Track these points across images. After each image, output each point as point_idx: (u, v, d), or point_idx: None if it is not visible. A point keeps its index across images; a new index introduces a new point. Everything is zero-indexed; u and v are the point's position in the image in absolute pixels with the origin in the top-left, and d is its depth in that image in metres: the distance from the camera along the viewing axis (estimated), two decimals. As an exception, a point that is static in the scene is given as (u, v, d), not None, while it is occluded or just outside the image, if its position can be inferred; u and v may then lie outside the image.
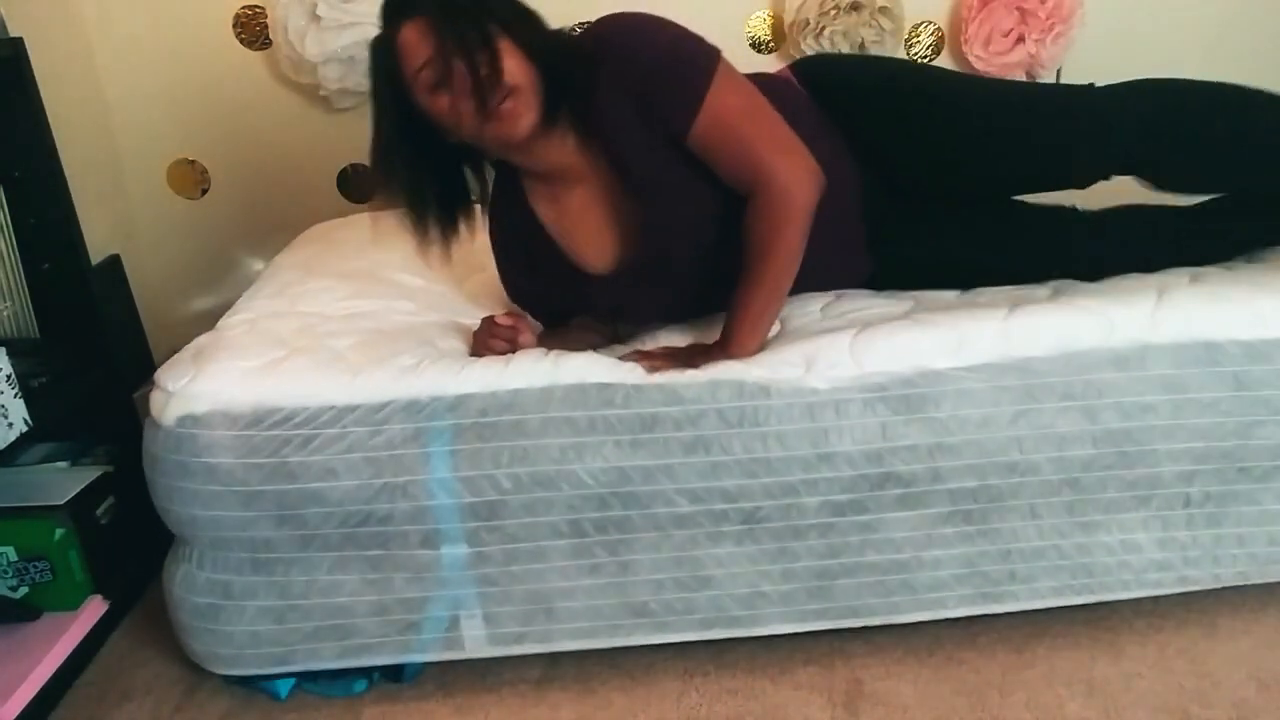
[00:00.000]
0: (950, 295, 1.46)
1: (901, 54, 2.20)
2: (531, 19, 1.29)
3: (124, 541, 1.62)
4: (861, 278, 1.52)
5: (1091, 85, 1.48)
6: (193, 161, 2.30)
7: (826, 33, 2.08)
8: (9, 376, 1.37)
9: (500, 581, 1.34)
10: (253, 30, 2.19)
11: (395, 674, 1.44)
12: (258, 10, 2.17)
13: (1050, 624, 1.46)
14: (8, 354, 1.36)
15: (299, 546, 1.30)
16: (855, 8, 2.07)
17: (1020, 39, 2.10)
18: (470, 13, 1.23)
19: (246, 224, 2.33)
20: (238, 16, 2.17)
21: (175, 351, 1.37)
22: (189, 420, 1.25)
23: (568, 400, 1.24)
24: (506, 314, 1.37)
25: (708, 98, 1.27)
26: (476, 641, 1.37)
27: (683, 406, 1.24)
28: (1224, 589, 1.46)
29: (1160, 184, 1.48)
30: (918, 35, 2.20)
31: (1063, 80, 2.18)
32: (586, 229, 1.42)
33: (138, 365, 1.94)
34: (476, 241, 1.46)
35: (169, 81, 2.21)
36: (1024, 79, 2.15)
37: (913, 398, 1.25)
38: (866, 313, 1.38)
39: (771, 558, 1.34)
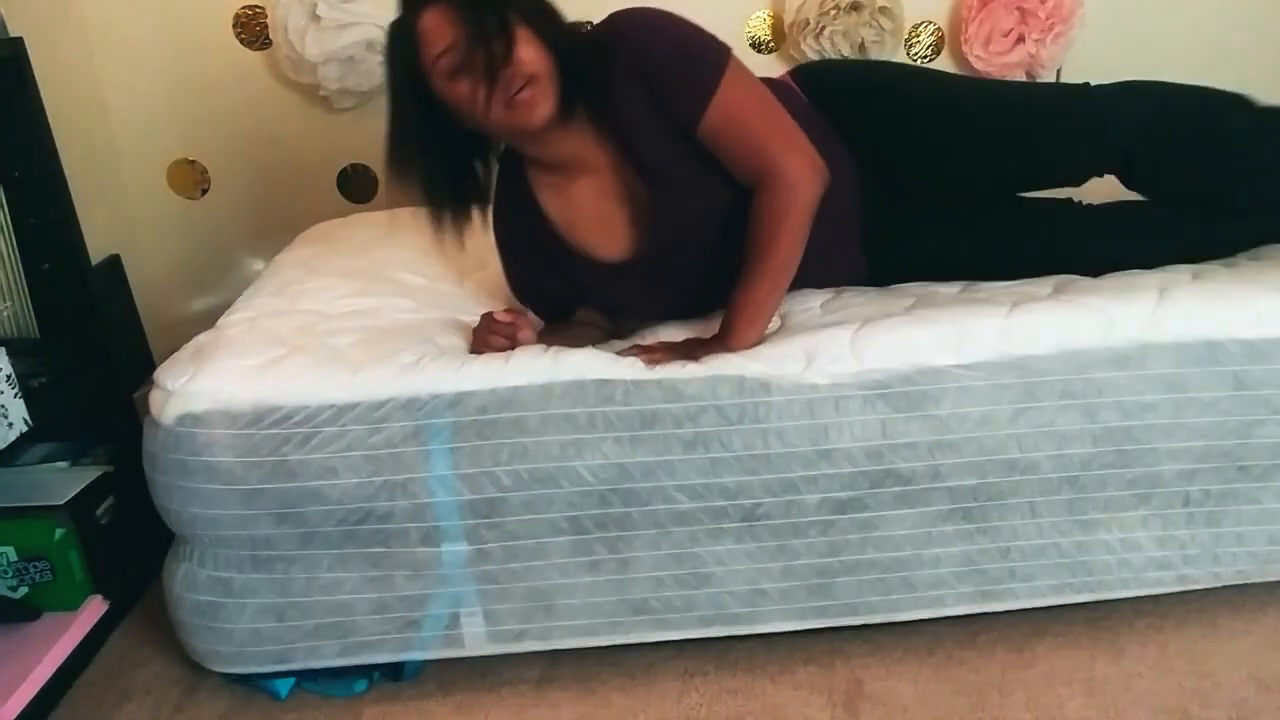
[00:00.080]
0: (951, 291, 1.46)
1: (901, 54, 2.20)
2: (550, 10, 1.31)
3: (124, 541, 1.62)
4: (860, 277, 1.53)
5: (1088, 84, 1.51)
6: (193, 161, 2.29)
7: (826, 33, 2.08)
8: (9, 376, 1.37)
9: (500, 579, 1.34)
10: (253, 30, 2.19)
11: (395, 672, 1.44)
12: (258, 10, 2.17)
13: (1050, 623, 1.46)
14: (8, 354, 1.36)
15: (299, 544, 1.30)
16: (855, 8, 2.07)
17: (1020, 39, 2.10)
18: (491, 1, 1.24)
19: (246, 224, 2.33)
20: (238, 16, 2.17)
21: (175, 351, 1.37)
22: (188, 419, 1.25)
23: (567, 397, 1.24)
24: (506, 310, 1.37)
25: (719, 90, 1.30)
26: (476, 639, 1.37)
27: (683, 403, 1.24)
28: (1224, 589, 1.46)
29: (1148, 185, 1.50)
30: (918, 35, 2.20)
31: (1063, 80, 2.18)
32: (594, 220, 1.43)
33: (138, 365, 1.94)
34: (478, 240, 1.46)
35: (169, 81, 2.21)
36: (1024, 79, 2.15)
37: (913, 395, 1.25)
38: (867, 309, 1.38)
39: (771, 555, 1.34)
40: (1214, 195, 1.50)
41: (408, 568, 1.32)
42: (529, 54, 1.25)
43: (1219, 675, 1.36)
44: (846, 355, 1.26)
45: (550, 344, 1.32)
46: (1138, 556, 1.39)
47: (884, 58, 2.13)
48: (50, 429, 1.51)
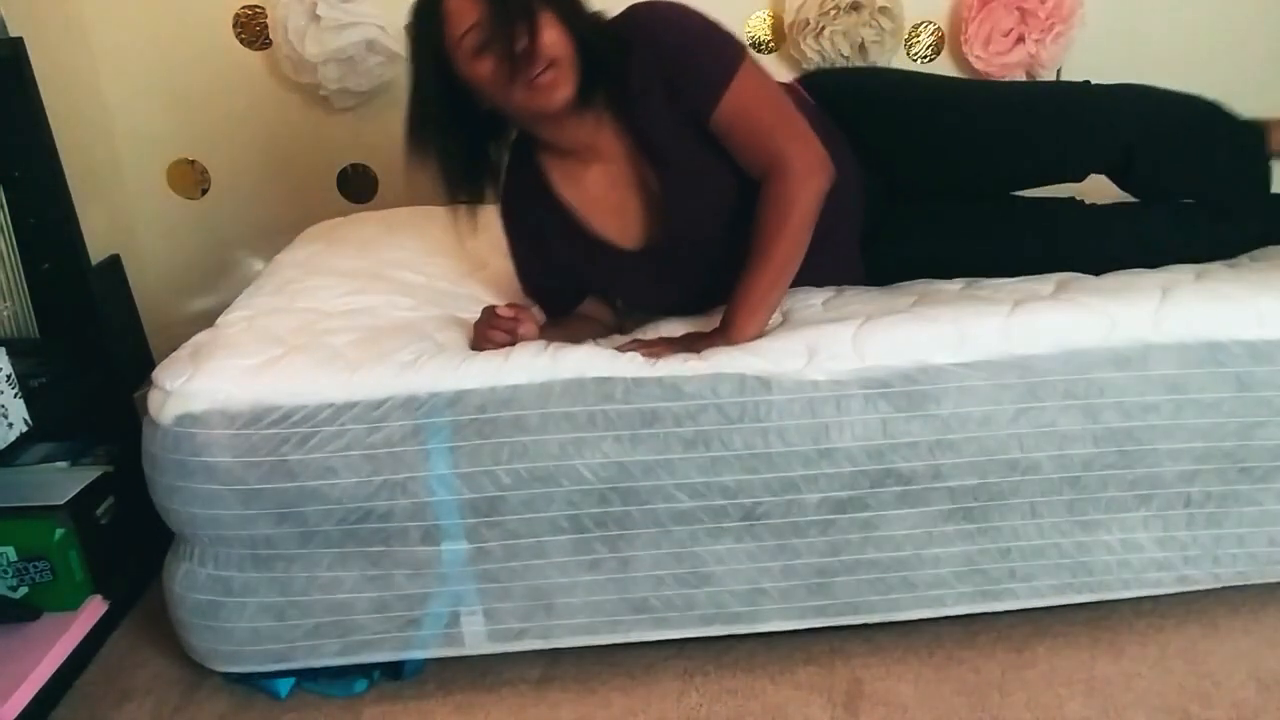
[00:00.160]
0: (953, 289, 1.45)
1: (901, 54, 2.20)
2: None
3: (124, 541, 1.62)
4: (860, 277, 1.53)
5: (1088, 82, 1.53)
6: (193, 161, 2.29)
7: (826, 33, 2.08)
8: (9, 376, 1.36)
9: (500, 578, 1.34)
10: (253, 30, 2.19)
11: (395, 671, 1.43)
12: (258, 10, 2.17)
13: (1050, 624, 1.46)
14: (8, 354, 1.36)
15: (299, 543, 1.30)
16: (855, 8, 2.07)
17: (1020, 39, 2.10)
18: None
19: (246, 224, 2.33)
20: (238, 16, 2.17)
21: (175, 351, 1.36)
22: (187, 419, 1.24)
23: (567, 395, 1.24)
24: (509, 305, 1.37)
25: (734, 82, 1.32)
26: (476, 638, 1.37)
27: (683, 401, 1.24)
28: (1224, 589, 1.46)
29: (1147, 182, 1.51)
30: (918, 35, 2.20)
31: (1063, 79, 2.18)
32: (606, 208, 1.44)
33: (138, 365, 1.94)
34: (479, 239, 1.46)
35: (169, 81, 2.21)
36: (1024, 79, 2.15)
37: (914, 394, 1.25)
38: (869, 306, 1.38)
39: (772, 554, 1.34)
40: (1206, 194, 1.52)
41: (408, 566, 1.32)
42: (552, 37, 1.26)
43: (1219, 675, 1.36)
44: (848, 351, 1.26)
45: (552, 339, 1.33)
46: (1138, 557, 1.39)
47: (884, 58, 2.14)
48: (50, 429, 1.51)
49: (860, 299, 1.44)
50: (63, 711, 1.44)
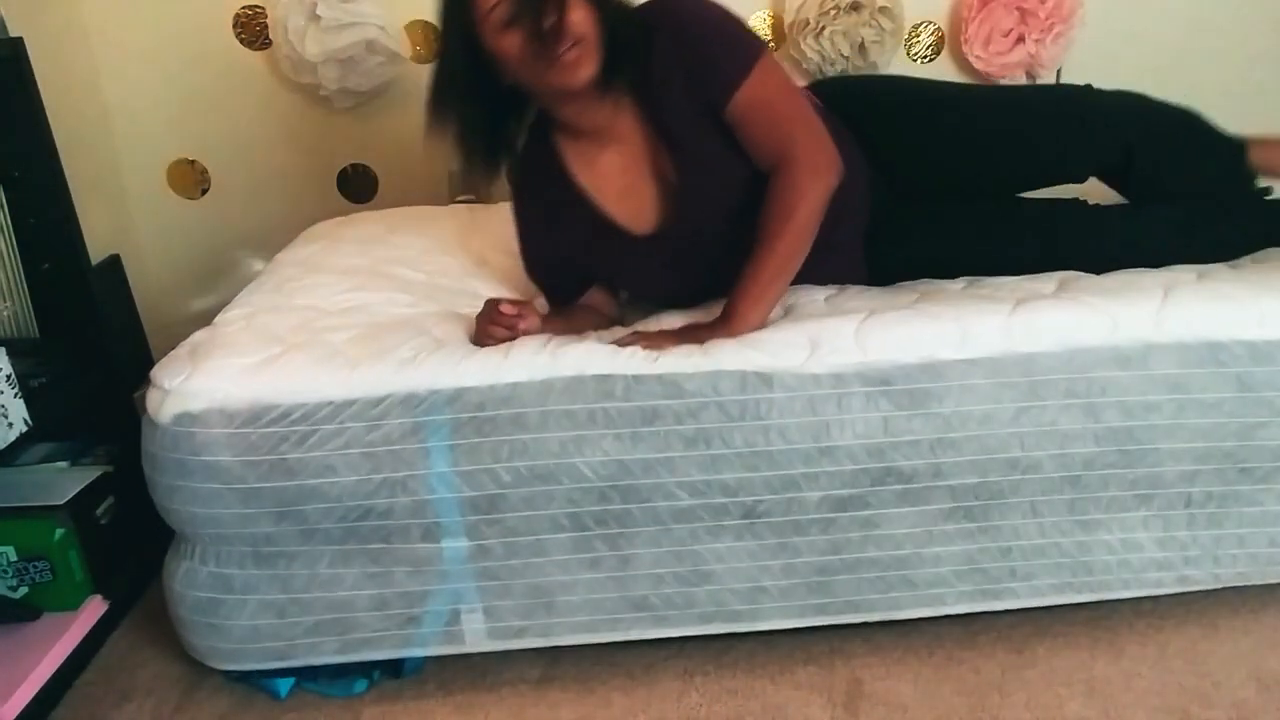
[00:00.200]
0: (956, 288, 1.46)
1: (901, 54, 2.20)
2: None
3: (124, 541, 1.62)
4: (862, 277, 1.53)
5: (1089, 85, 1.55)
6: (193, 161, 2.30)
7: (826, 33, 2.08)
8: (9, 376, 1.36)
9: (500, 575, 1.34)
10: (253, 30, 2.19)
11: (395, 670, 1.43)
12: (258, 10, 2.17)
13: (1050, 624, 1.46)
14: (8, 354, 1.36)
15: (300, 541, 1.30)
16: (855, 8, 2.07)
17: (1020, 39, 2.10)
18: None
19: (246, 224, 2.33)
20: (238, 16, 2.17)
21: (175, 351, 1.37)
22: (186, 418, 1.24)
23: (567, 393, 1.24)
24: (510, 301, 1.37)
25: (752, 75, 1.33)
26: (477, 635, 1.37)
27: (684, 399, 1.24)
28: (1224, 589, 1.46)
29: (1146, 182, 1.53)
30: (918, 35, 2.21)
31: (1063, 79, 2.19)
32: (620, 191, 1.45)
33: (138, 365, 1.93)
34: (480, 239, 1.46)
35: (169, 81, 2.21)
36: (1024, 78, 2.16)
37: (915, 392, 1.25)
38: (872, 303, 1.39)
39: (772, 553, 1.34)
40: (1204, 196, 1.54)
41: (408, 564, 1.32)
42: (579, 16, 1.27)
43: (1219, 675, 1.36)
44: (850, 345, 1.26)
45: (553, 330, 1.33)
46: (1138, 557, 1.39)
47: (884, 58, 2.14)
48: (50, 429, 1.51)
49: (863, 296, 1.44)
50: (63, 711, 1.44)
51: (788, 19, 2.13)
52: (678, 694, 1.39)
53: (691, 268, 1.44)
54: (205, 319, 1.45)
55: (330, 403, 1.24)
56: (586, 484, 1.26)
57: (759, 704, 1.36)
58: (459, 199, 2.29)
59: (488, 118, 1.38)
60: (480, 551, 1.32)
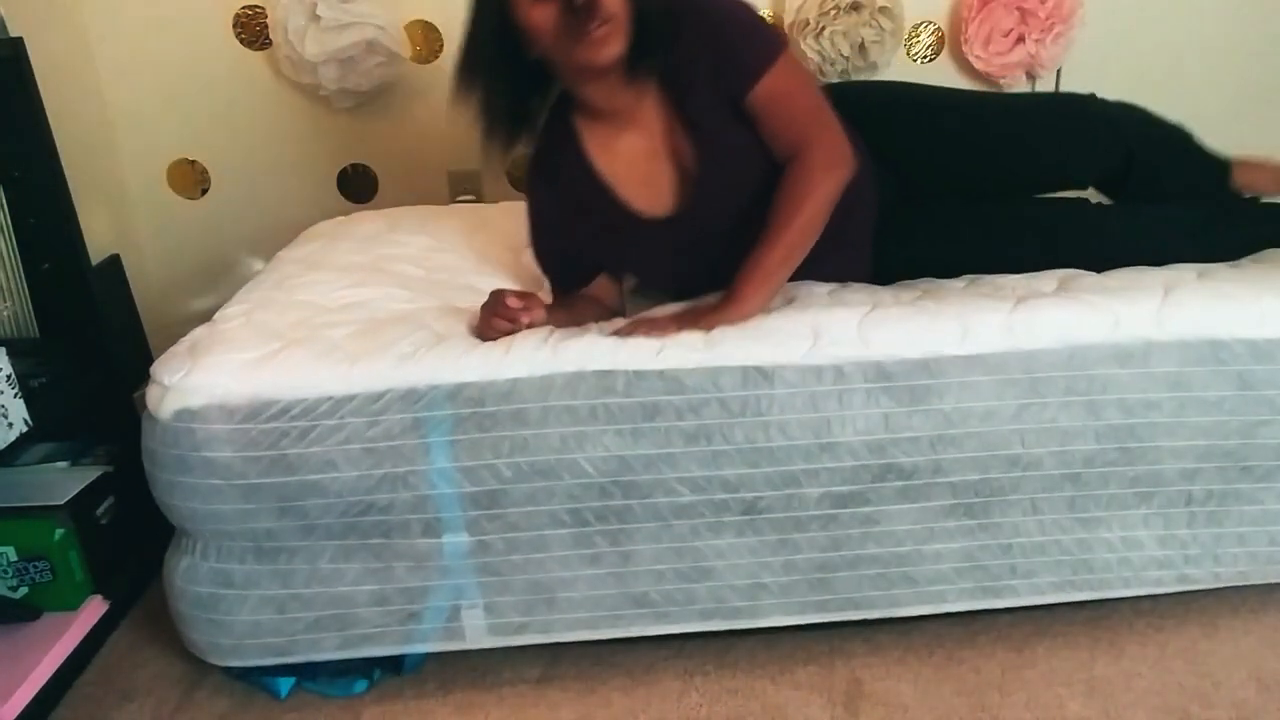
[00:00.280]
0: (958, 286, 1.46)
1: (901, 54, 2.20)
2: None
3: (124, 541, 1.62)
4: (866, 274, 1.54)
5: (1093, 95, 1.59)
6: (193, 161, 2.30)
7: (826, 33, 2.08)
8: (9, 376, 1.36)
9: (501, 571, 1.34)
10: (253, 30, 2.19)
11: (395, 666, 1.43)
12: (258, 10, 2.17)
13: (1050, 623, 1.46)
14: (8, 354, 1.36)
15: (301, 536, 1.30)
16: (855, 8, 2.07)
17: (1020, 39, 2.10)
18: None
19: (246, 224, 2.33)
20: (238, 16, 2.17)
21: (174, 350, 1.37)
22: (186, 414, 1.24)
23: (568, 388, 1.24)
24: (516, 294, 1.36)
25: (774, 67, 1.36)
26: (477, 632, 1.37)
27: (684, 395, 1.24)
28: (1224, 589, 1.46)
29: (1145, 187, 1.55)
30: (918, 35, 2.20)
31: (1063, 80, 2.19)
32: (637, 176, 1.45)
33: (138, 365, 1.94)
34: (481, 238, 1.46)
35: (169, 81, 2.21)
36: (1024, 79, 2.16)
37: (916, 389, 1.25)
38: (875, 298, 1.40)
39: (772, 549, 1.34)
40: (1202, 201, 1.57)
41: (409, 559, 1.32)
42: None
43: (1219, 675, 1.36)
44: (853, 337, 1.26)
45: (556, 322, 1.34)
46: (1139, 555, 1.39)
47: (884, 58, 2.14)
48: (50, 429, 1.50)
49: (865, 291, 1.45)
50: (63, 711, 1.44)
51: (788, 19, 2.13)
52: (678, 694, 1.39)
53: (703, 255, 1.45)
54: (205, 319, 1.45)
55: (330, 398, 1.24)
56: (587, 480, 1.26)
57: (759, 704, 1.36)
58: (459, 199, 2.30)
59: (512, 91, 1.39)
60: (481, 547, 1.32)
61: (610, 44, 1.29)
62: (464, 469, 1.25)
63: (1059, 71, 2.18)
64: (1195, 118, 1.61)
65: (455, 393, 1.24)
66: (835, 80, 2.11)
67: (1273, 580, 1.46)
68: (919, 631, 1.45)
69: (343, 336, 1.32)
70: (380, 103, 2.23)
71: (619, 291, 1.58)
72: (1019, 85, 2.21)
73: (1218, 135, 1.62)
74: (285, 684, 1.42)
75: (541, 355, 1.25)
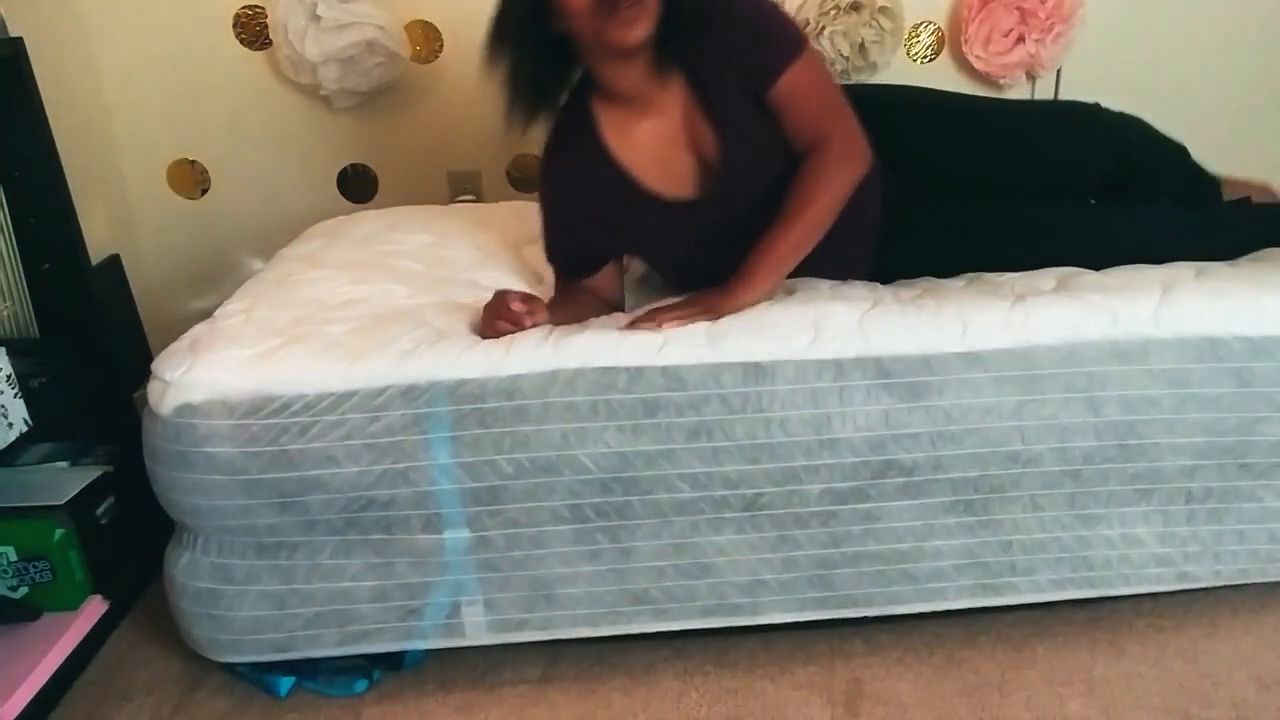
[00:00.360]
0: (957, 285, 1.46)
1: (901, 54, 2.20)
2: None
3: (124, 541, 1.62)
4: (866, 273, 1.54)
5: (1097, 104, 1.61)
6: (193, 161, 2.30)
7: (826, 33, 2.08)
8: (9, 376, 1.37)
9: (502, 567, 1.34)
10: (253, 30, 2.19)
11: (394, 664, 1.43)
12: (258, 10, 2.17)
13: (1050, 623, 1.46)
14: (8, 354, 1.36)
15: (302, 532, 1.31)
16: (855, 8, 2.07)
17: (1020, 39, 2.10)
18: None
19: (246, 224, 2.33)
20: (238, 16, 2.17)
21: (174, 350, 1.37)
22: (187, 410, 1.25)
23: (569, 385, 1.24)
24: (520, 298, 1.37)
25: (797, 62, 1.39)
26: (477, 628, 1.37)
27: (685, 391, 1.24)
28: (1224, 588, 1.46)
29: (1144, 194, 1.56)
30: (918, 35, 2.20)
31: (1063, 80, 2.20)
32: (651, 161, 1.46)
33: (138, 365, 1.94)
34: (481, 237, 1.46)
35: (169, 81, 2.21)
36: (1024, 79, 2.16)
37: (916, 385, 1.26)
38: (875, 294, 1.40)
39: (773, 545, 1.34)
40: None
41: (409, 555, 1.32)
42: None
43: (1219, 675, 1.36)
44: (854, 332, 1.27)
45: (556, 320, 1.34)
46: (1139, 552, 1.39)
47: (884, 58, 2.14)
48: (50, 429, 1.51)
49: (865, 288, 1.45)
50: (63, 711, 1.44)
51: (788, 19, 2.13)
52: (678, 694, 1.39)
53: (721, 241, 1.45)
54: (205, 319, 1.45)
55: (331, 394, 1.24)
56: (588, 476, 1.26)
57: (759, 704, 1.36)
58: (459, 199, 2.30)
59: (538, 65, 1.40)
60: (481, 543, 1.32)
61: (639, 25, 1.30)
62: (465, 465, 1.25)
63: (1059, 72, 2.18)
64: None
65: (456, 389, 1.24)
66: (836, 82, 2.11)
67: (1273, 578, 1.46)
68: (919, 631, 1.45)
69: (343, 333, 1.32)
70: (380, 103, 2.23)
71: (620, 284, 1.58)
72: (1019, 85, 2.21)
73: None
74: (285, 683, 1.42)
75: (543, 352, 1.26)
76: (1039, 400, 1.27)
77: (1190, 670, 1.37)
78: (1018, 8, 2.08)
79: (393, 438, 1.24)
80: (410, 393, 1.24)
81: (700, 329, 1.28)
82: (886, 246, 1.52)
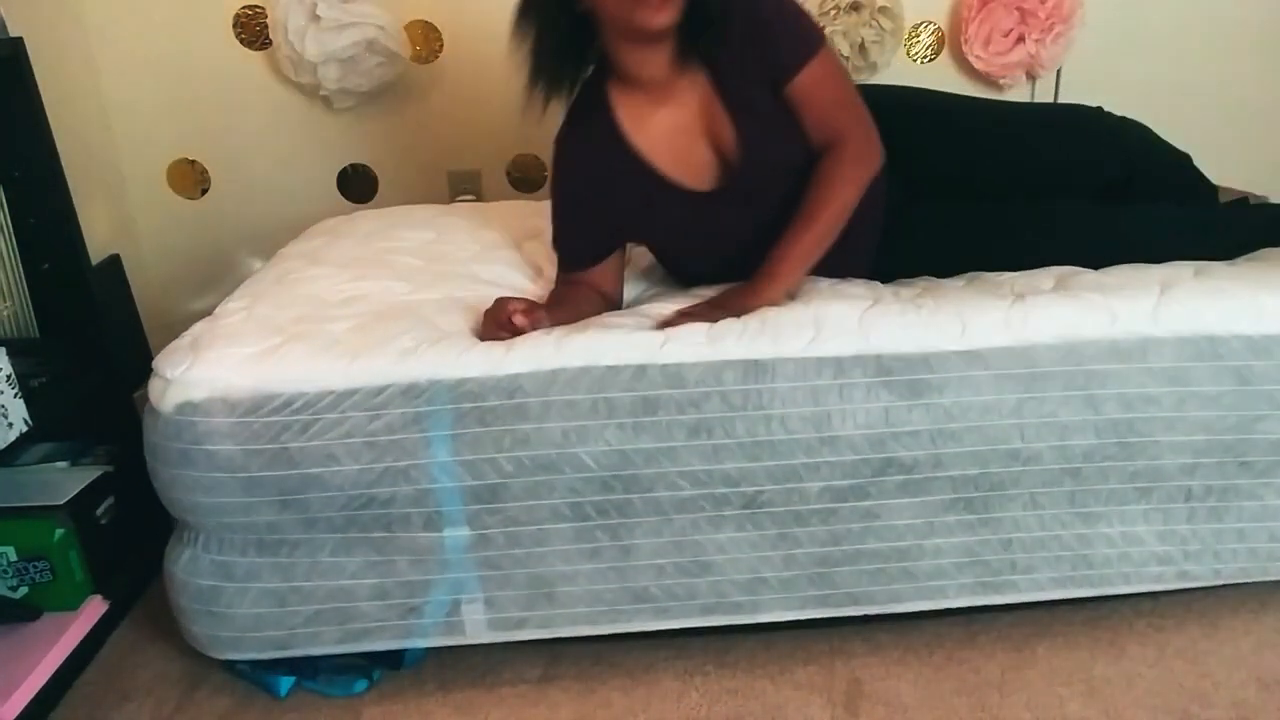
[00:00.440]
0: (957, 284, 1.46)
1: (901, 54, 2.21)
2: None
3: (124, 541, 1.62)
4: (866, 272, 1.54)
5: (1100, 108, 1.61)
6: (193, 161, 2.30)
7: (826, 33, 2.07)
8: (9, 376, 1.37)
9: (502, 565, 1.34)
10: (253, 30, 2.19)
11: (394, 663, 1.43)
12: (258, 10, 2.17)
13: (1050, 623, 1.46)
14: (8, 354, 1.36)
15: (302, 529, 1.30)
16: (855, 8, 2.07)
17: (1020, 39, 2.10)
18: None
19: (246, 224, 2.33)
20: (238, 16, 2.18)
21: (175, 350, 1.37)
22: (188, 407, 1.25)
23: (569, 383, 1.24)
24: (522, 309, 1.36)
25: (816, 59, 1.41)
26: (477, 626, 1.37)
27: (686, 389, 1.24)
28: (1224, 588, 1.46)
29: (1145, 196, 1.56)
30: (918, 35, 2.21)
31: (1063, 80, 2.20)
32: (667, 150, 1.46)
33: (138, 365, 1.94)
34: (481, 236, 1.45)
35: (169, 81, 2.22)
36: (1024, 79, 2.16)
37: (916, 383, 1.26)
38: (875, 293, 1.41)
39: (773, 543, 1.34)
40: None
41: (410, 553, 1.32)
42: None
43: (1219, 675, 1.36)
44: (854, 330, 1.27)
45: (555, 319, 1.35)
46: (1139, 551, 1.39)
47: (884, 58, 2.14)
48: (50, 429, 1.50)
49: (866, 286, 1.46)
50: (63, 711, 1.44)
51: (787, 19, 2.13)
52: (678, 694, 1.39)
53: (727, 235, 1.46)
54: (205, 318, 1.45)
55: (332, 392, 1.24)
56: (588, 474, 1.26)
57: (759, 704, 1.36)
58: (459, 199, 2.30)
59: (561, 45, 1.41)
60: (482, 541, 1.32)
61: (665, 10, 1.30)
62: (465, 463, 1.25)
63: (1059, 72, 2.18)
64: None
65: (456, 387, 1.24)
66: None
67: (1273, 577, 1.46)
68: (919, 631, 1.45)
69: (344, 331, 1.32)
70: (380, 103, 2.23)
71: (620, 279, 1.58)
72: (1019, 85, 2.21)
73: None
74: (285, 683, 1.42)
75: (543, 351, 1.26)
76: (1039, 398, 1.27)
77: (1190, 670, 1.37)
78: (1018, 8, 2.08)
79: (393, 436, 1.24)
80: (411, 391, 1.24)
81: (699, 327, 1.28)
82: (887, 246, 1.53)
